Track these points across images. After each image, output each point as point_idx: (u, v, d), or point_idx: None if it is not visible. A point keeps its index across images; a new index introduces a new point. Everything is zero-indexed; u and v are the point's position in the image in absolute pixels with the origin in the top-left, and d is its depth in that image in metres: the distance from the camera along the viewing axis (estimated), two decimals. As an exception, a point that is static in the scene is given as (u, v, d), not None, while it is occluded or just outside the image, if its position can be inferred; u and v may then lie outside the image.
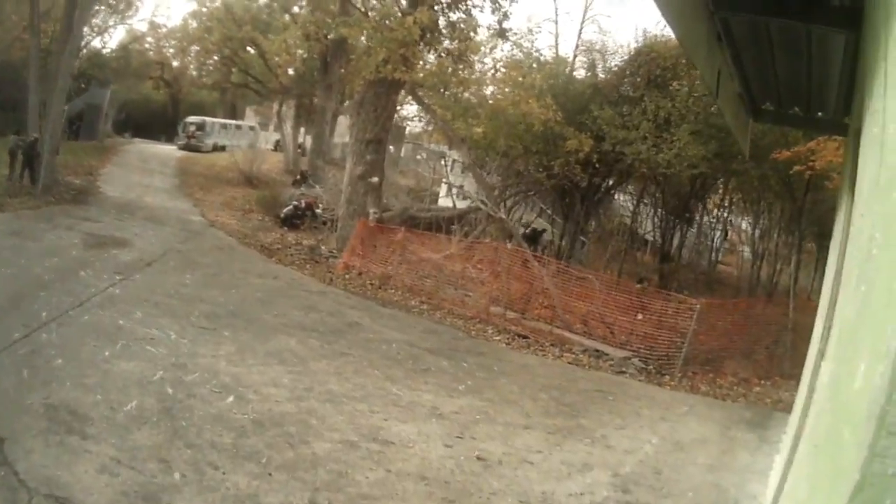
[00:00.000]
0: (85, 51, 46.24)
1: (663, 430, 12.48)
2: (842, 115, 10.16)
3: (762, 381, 17.90)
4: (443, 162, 41.57)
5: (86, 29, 38.44)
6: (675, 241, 34.57)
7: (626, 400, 14.49)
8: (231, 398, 10.12)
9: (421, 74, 26.50)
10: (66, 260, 17.21)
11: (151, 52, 60.77)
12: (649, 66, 28.20)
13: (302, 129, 55.84)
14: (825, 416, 4.23)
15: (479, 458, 9.61)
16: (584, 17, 56.86)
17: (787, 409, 12.98)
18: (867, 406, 2.46)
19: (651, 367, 17.97)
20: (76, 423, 8.50)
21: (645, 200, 35.87)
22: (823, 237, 28.20)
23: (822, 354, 6.42)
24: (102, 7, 46.04)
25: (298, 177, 40.95)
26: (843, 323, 4.19)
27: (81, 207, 25.41)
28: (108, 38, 54.16)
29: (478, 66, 29.53)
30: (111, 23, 51.01)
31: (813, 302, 25.53)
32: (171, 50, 60.61)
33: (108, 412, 8.95)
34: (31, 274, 15.29)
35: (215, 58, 52.96)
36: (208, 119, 62.03)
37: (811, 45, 7.95)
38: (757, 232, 34.73)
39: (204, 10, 49.64)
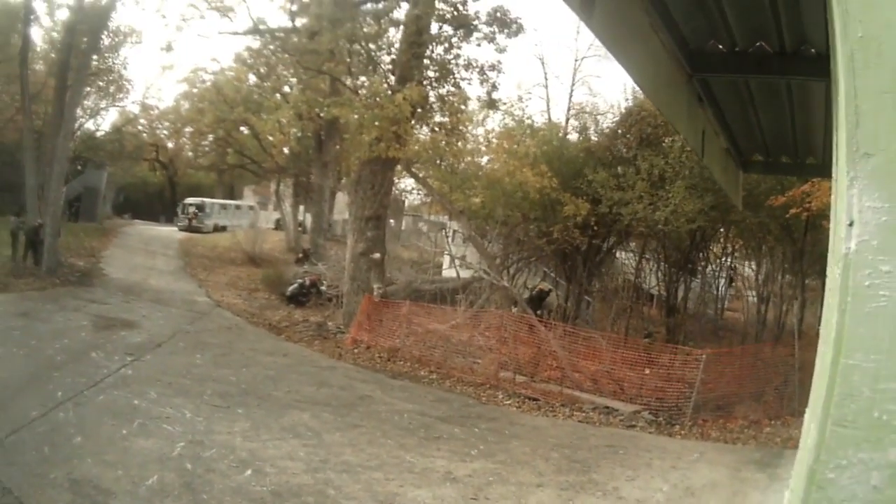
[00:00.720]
0: (79, 133, 46.91)
1: (674, 478, 12.49)
2: (830, 158, 10.43)
3: (772, 422, 17.84)
4: (444, 233, 41.73)
5: (78, 111, 38.99)
6: (680, 293, 34.40)
7: (637, 452, 14.49)
8: (249, 472, 10.25)
9: (416, 147, 26.65)
10: (77, 341, 17.42)
11: (145, 134, 61.28)
12: (640, 124, 28.51)
13: (301, 207, 55.81)
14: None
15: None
16: (573, 79, 56.85)
17: (797, 445, 13.07)
18: (803, 463, 2.73)
19: (661, 418, 18.00)
20: (100, 496, 8.68)
21: (647, 256, 35.92)
22: (825, 274, 28.48)
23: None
24: (93, 89, 46.71)
25: (301, 255, 41.06)
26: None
27: (87, 289, 25.67)
28: (101, 121, 54.42)
29: (471, 137, 29.85)
30: (103, 105, 51.50)
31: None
32: (165, 132, 61.47)
33: (131, 486, 9.12)
34: (44, 355, 15.51)
35: (210, 139, 53.40)
36: (207, 200, 62.52)
37: (792, 95, 8.15)
38: (760, 276, 34.83)
39: (195, 91, 50.16)
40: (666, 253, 33.99)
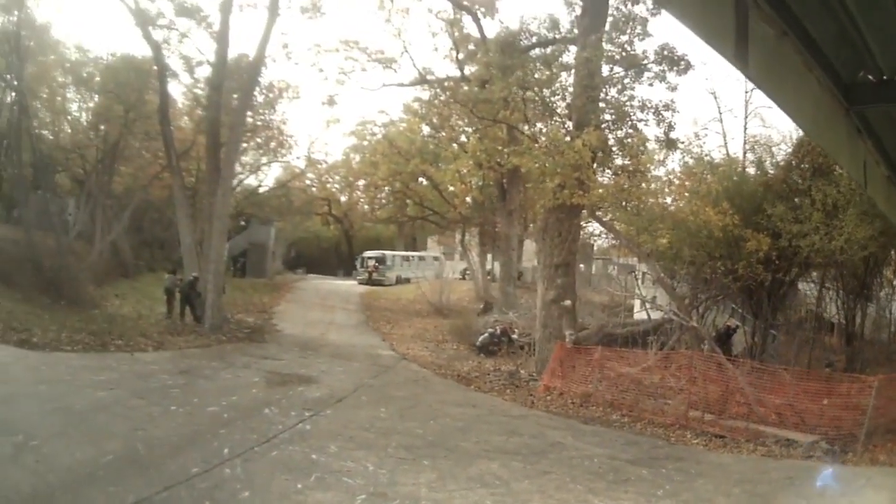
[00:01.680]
0: (239, 189, 47.83)
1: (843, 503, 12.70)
2: None
3: (938, 442, 17.47)
4: (633, 276, 41.41)
5: (237, 167, 39.91)
6: (858, 320, 33.69)
7: (813, 483, 14.54)
8: (434, 522, 10.25)
9: (599, 191, 26.53)
10: (247, 398, 17.70)
11: (314, 189, 61.61)
12: (812, 154, 28.06)
13: (489, 256, 56.02)
14: None
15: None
16: (746, 112, 55.83)
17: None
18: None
19: (836, 447, 17.87)
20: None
21: (826, 285, 35.13)
22: None
23: None
24: (251, 146, 47.24)
25: (483, 305, 41.23)
26: None
27: (258, 345, 26.04)
28: (262, 176, 55.41)
29: (652, 178, 29.56)
30: (264, 161, 51.87)
31: None
32: (336, 186, 62.04)
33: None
34: (207, 413, 15.74)
35: (386, 191, 53.92)
36: (388, 252, 62.79)
37: None
38: None
39: (364, 143, 50.86)
40: (843, 281, 33.32)
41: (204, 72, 35.80)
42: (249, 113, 37.15)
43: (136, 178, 42.91)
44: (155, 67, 33.35)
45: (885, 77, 7.09)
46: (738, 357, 24.92)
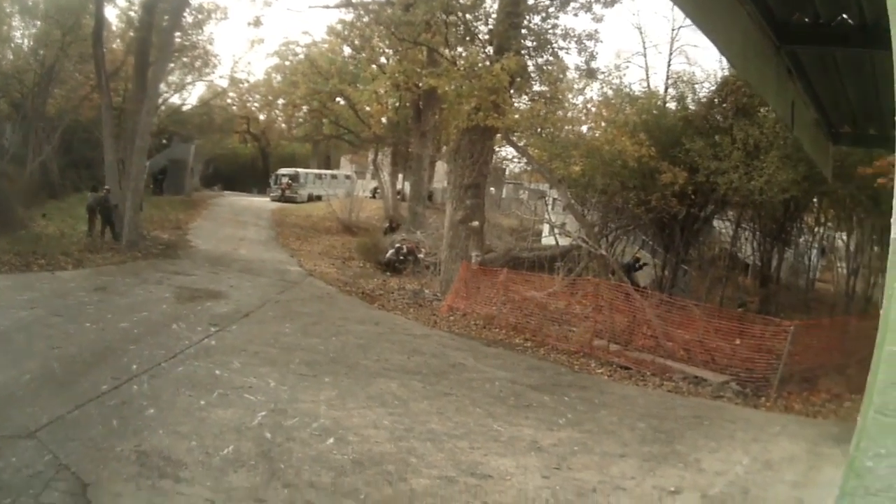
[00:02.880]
0: (163, 108, 47.72)
1: (755, 451, 12.46)
2: None
3: (853, 396, 17.49)
4: (543, 201, 41.59)
5: (162, 86, 39.37)
6: (774, 263, 34.37)
7: (722, 424, 14.49)
8: (331, 440, 10.37)
9: (515, 117, 26.50)
10: (157, 314, 17.55)
11: (235, 108, 61.59)
12: (736, 94, 28.02)
13: (400, 176, 56.00)
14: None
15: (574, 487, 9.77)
16: (671, 48, 56.18)
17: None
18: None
19: (748, 390, 17.91)
20: (169, 467, 8.75)
21: (743, 225, 35.53)
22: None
23: None
24: (178, 65, 47.03)
25: (388, 225, 41.29)
26: None
27: (171, 261, 25.87)
28: (187, 95, 54.73)
29: (570, 106, 29.53)
30: (189, 80, 51.81)
31: None
32: (256, 104, 61.72)
33: (203, 457, 9.20)
34: (119, 329, 15.58)
35: (304, 110, 53.63)
36: (302, 170, 62.72)
37: (876, 68, 8.07)
38: (851, 247, 34.15)
39: (287, 63, 50.46)
40: (761, 223, 33.68)
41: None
42: (178, 33, 36.78)
43: (69, 99, 42.39)
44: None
45: (820, 21, 7.11)
46: (646, 289, 25.29)
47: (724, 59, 34.27)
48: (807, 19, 7.27)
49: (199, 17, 43.89)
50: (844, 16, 7.10)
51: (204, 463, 9.04)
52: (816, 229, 38.05)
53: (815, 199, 32.82)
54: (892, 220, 2.69)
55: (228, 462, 9.17)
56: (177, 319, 17.09)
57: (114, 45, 42.67)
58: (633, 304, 21.70)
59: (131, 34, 38.69)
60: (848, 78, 8.66)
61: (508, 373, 16.59)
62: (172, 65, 43.01)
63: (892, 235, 2.53)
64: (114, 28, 43.42)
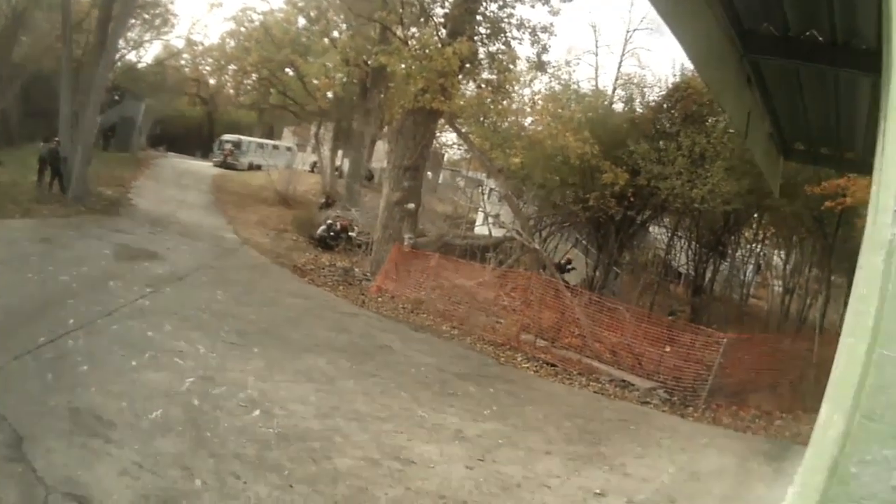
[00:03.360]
0: (119, 64, 46.90)
1: (682, 461, 12.47)
2: (870, 155, 10.33)
3: (784, 415, 17.79)
4: (480, 190, 41.58)
5: (121, 42, 38.82)
6: (708, 275, 34.50)
7: (649, 430, 14.55)
8: (257, 412, 10.30)
9: (461, 102, 26.50)
10: (96, 270, 17.47)
11: (188, 69, 61.25)
12: (686, 101, 28.09)
13: (340, 152, 55.69)
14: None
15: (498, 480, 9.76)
16: (623, 49, 56.37)
17: (806, 441, 13.04)
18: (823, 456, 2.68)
19: (676, 398, 18.04)
20: (100, 427, 8.67)
21: (679, 233, 35.72)
22: (853, 273, 28.19)
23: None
24: (138, 21, 46.60)
25: (324, 201, 41.05)
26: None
27: (113, 218, 25.69)
28: (143, 53, 54.27)
29: (516, 97, 29.59)
30: (147, 38, 51.38)
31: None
32: (208, 68, 61.02)
33: (133, 419, 9.14)
34: (59, 282, 15.50)
35: (253, 77, 53.23)
36: (245, 138, 62.33)
37: (839, 88, 8.10)
38: (788, 266, 34.63)
39: (242, 29, 50.04)
40: (698, 232, 33.80)
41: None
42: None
43: (34, 47, 41.77)
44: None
45: (789, 34, 7.10)
46: (576, 287, 25.13)
47: (675, 66, 34.49)
48: (774, 30, 7.22)
49: (165, -28, 42.82)
50: (814, 31, 7.07)
51: (133, 425, 8.99)
52: (754, 245, 38.38)
53: (756, 214, 32.98)
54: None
55: (157, 426, 9.13)
56: (114, 277, 17.00)
57: (81, -4, 41.98)
58: (563, 301, 21.72)
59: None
60: (808, 94, 8.67)
61: (435, 359, 16.67)
62: (134, 21, 42.80)
63: (877, 239, 2.51)
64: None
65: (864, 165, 11.28)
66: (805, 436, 15.14)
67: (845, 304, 31.55)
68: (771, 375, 20.59)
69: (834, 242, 27.31)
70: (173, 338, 13.12)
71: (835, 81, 7.99)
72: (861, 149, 10.48)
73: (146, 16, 47.02)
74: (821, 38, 7.09)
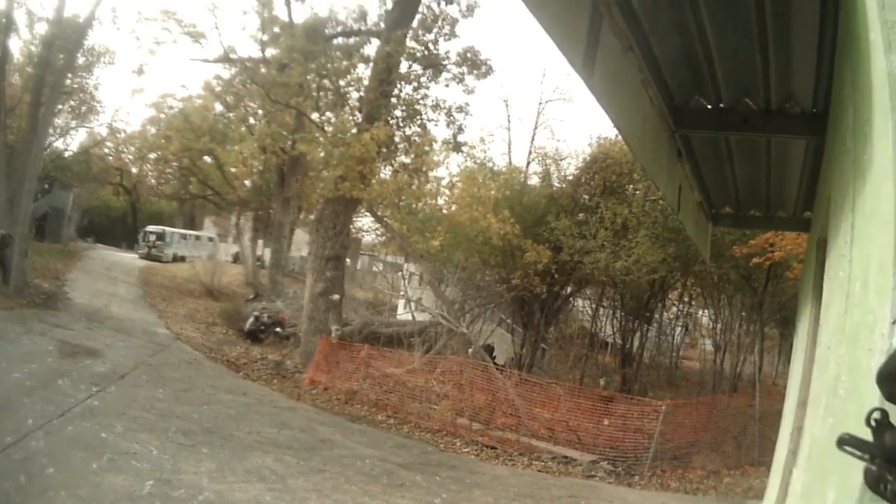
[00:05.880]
0: (48, 151, 45.90)
1: (639, 529, 12.56)
2: (801, 211, 10.42)
3: (731, 472, 18.03)
4: (400, 275, 41.60)
5: (49, 129, 38.52)
6: (637, 342, 34.41)
7: (598, 503, 14.64)
8: (218, 515, 10.20)
9: (378, 188, 26.60)
10: (44, 367, 17.24)
11: (111, 158, 60.95)
12: (605, 172, 28.59)
13: (260, 242, 55.94)
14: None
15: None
16: (536, 122, 56.86)
17: (758, 495, 13.17)
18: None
19: (620, 468, 18.06)
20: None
21: (604, 303, 35.97)
22: (785, 324, 28.35)
23: (793, 456, 6.55)
24: (65, 108, 46.19)
25: (253, 295, 40.86)
26: (814, 444, 4.40)
27: (52, 313, 25.33)
28: (70, 141, 53.88)
29: (433, 179, 30.00)
30: (73, 125, 50.98)
31: (778, 386, 25.38)
32: (131, 157, 60.92)
33: (106, 527, 9.04)
34: (13, 379, 15.34)
35: (174, 166, 53.16)
36: (168, 229, 62.29)
37: (771, 151, 8.20)
38: (718, 324, 34.56)
39: (162, 116, 49.98)
40: (623, 301, 34.12)
41: (42, 28, 34.38)
42: (69, 74, 36.13)
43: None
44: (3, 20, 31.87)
45: (721, 105, 7.19)
46: (504, 366, 25.37)
47: (591, 137, 35.01)
48: (706, 103, 7.32)
49: (90, 59, 43.35)
50: (747, 100, 7.10)
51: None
52: (680, 307, 38.74)
53: (683, 279, 33.25)
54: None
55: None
56: (62, 375, 16.80)
57: (13, 80, 41.20)
58: (495, 382, 21.84)
59: (30, 70, 37.42)
60: (739, 161, 8.68)
61: (377, 450, 16.57)
62: (61, 107, 42.52)
63: (876, 345, 2.63)
64: (16, 61, 41.67)
65: (795, 222, 11.47)
66: (756, 490, 15.35)
67: (779, 354, 31.80)
68: (713, 435, 20.77)
69: (763, 296, 27.73)
70: (125, 439, 12.95)
71: (767, 146, 8.08)
72: (793, 207, 10.66)
73: (73, 102, 46.78)
74: (754, 107, 7.15)
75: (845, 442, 1.76)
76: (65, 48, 30.66)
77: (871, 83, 2.90)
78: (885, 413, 1.71)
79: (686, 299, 38.90)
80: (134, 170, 64.24)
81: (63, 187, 53.72)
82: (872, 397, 2.12)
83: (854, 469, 2.49)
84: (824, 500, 3.16)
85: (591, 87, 5.23)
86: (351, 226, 32.10)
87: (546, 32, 4.37)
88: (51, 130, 41.38)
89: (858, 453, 1.70)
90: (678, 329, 40.11)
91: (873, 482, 1.68)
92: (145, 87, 74.09)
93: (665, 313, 38.18)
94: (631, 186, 28.08)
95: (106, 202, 71.13)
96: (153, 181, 61.75)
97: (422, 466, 15.82)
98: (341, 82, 28.09)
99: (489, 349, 28.86)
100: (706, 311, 39.32)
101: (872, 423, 1.73)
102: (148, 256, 56.98)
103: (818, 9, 5.12)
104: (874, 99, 2.82)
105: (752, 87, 6.80)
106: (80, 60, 40.52)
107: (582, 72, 4.90)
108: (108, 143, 58.93)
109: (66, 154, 54.13)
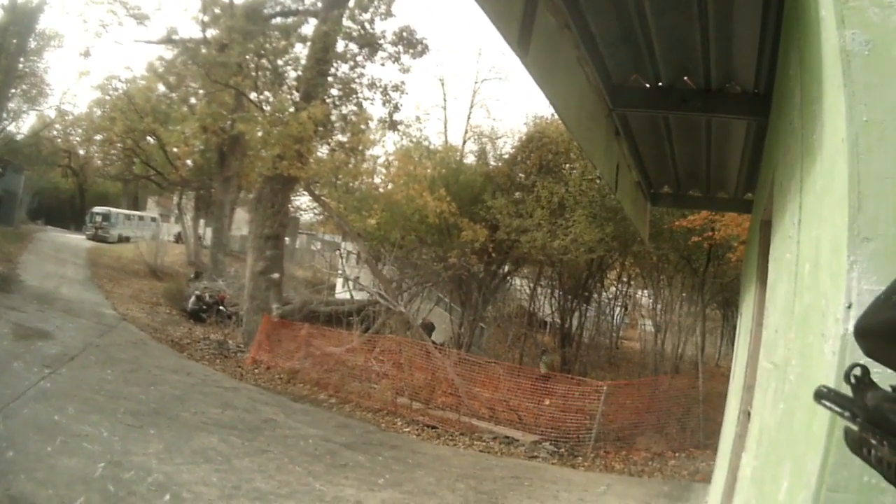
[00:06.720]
0: (1, 135, 46.99)
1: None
2: (743, 192, 10.59)
3: (676, 454, 18.20)
4: (338, 253, 41.46)
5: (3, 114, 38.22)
6: (575, 322, 34.43)
7: (543, 484, 14.63)
8: (168, 496, 10.21)
9: (315, 167, 26.78)
10: (0, 350, 17.40)
11: (59, 140, 60.11)
12: (541, 151, 28.42)
13: (202, 221, 55.62)
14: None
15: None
16: (472, 101, 56.44)
17: (705, 478, 13.30)
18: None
19: (563, 449, 18.14)
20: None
21: (542, 283, 35.94)
22: (728, 305, 28.53)
23: (741, 440, 6.62)
24: (17, 92, 46.34)
25: (194, 275, 40.45)
26: (764, 429, 4.43)
27: (6, 295, 25.36)
28: (21, 125, 53.46)
29: (369, 158, 30.00)
30: (24, 108, 51.08)
31: (721, 368, 25.46)
32: (78, 139, 60.27)
33: (62, 506, 9.23)
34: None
35: (119, 147, 52.74)
36: (113, 210, 62.07)
37: (711, 131, 8.24)
38: (658, 305, 34.66)
39: (107, 98, 49.48)
40: (561, 280, 33.97)
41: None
42: (21, 59, 35.84)
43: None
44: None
45: (660, 84, 7.19)
46: (443, 345, 25.42)
47: (528, 116, 34.80)
48: (644, 81, 7.31)
49: (41, 42, 43.31)
50: (687, 79, 7.14)
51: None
52: (619, 286, 38.90)
53: (621, 259, 33.26)
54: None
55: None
56: (16, 358, 16.88)
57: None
58: (434, 361, 21.93)
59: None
60: (678, 140, 8.74)
61: (319, 430, 16.61)
62: (14, 91, 42.98)
63: (831, 332, 2.68)
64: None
65: (736, 203, 11.57)
66: (703, 472, 15.49)
67: (722, 336, 31.86)
68: (656, 416, 20.93)
69: (704, 277, 27.76)
70: (77, 421, 12.98)
71: (707, 126, 8.11)
72: (734, 188, 10.79)
73: (24, 86, 46.84)
74: (693, 86, 7.17)
75: (823, 396, 1.65)
76: (17, 33, 30.42)
77: (821, 60, 2.96)
78: (865, 369, 1.62)
79: (625, 279, 39.13)
80: (81, 152, 63.75)
81: (15, 170, 53.84)
82: (826, 382, 2.18)
83: (810, 457, 2.58)
84: (777, 488, 3.22)
85: (526, 65, 5.23)
86: (289, 205, 32.24)
87: (481, 9, 4.38)
88: (3, 114, 41.32)
89: (838, 409, 1.63)
90: (617, 309, 40.29)
91: (855, 445, 1.59)
92: (92, 70, 73.12)
93: (604, 293, 38.25)
94: (568, 165, 27.82)
95: (55, 184, 70.78)
96: (99, 162, 61.30)
97: (364, 446, 15.87)
98: (279, 62, 28.27)
99: (430, 327, 28.96)
100: (646, 291, 39.68)
101: (852, 381, 1.63)
102: (94, 237, 56.74)
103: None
104: (825, 76, 2.89)
105: (692, 66, 6.81)
106: (32, 45, 40.43)
107: (517, 49, 4.92)
108: (57, 126, 58.34)
109: (18, 137, 54.00)
